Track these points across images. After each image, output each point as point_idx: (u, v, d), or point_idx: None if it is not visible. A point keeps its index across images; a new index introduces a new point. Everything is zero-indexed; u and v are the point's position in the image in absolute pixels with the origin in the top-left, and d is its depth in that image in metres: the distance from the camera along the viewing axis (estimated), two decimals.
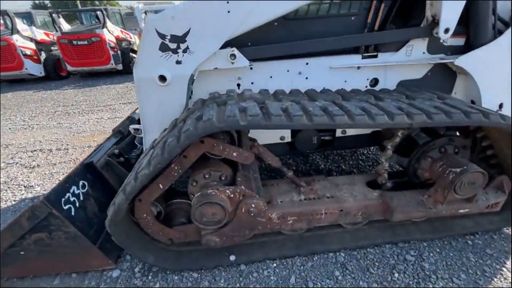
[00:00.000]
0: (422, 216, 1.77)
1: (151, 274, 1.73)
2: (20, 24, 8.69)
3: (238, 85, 1.89)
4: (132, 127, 2.05)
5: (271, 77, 1.89)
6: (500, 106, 2.01)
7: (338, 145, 2.17)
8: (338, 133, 2.10)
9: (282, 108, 1.38)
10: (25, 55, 8.36)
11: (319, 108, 1.39)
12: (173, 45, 1.57)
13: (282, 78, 1.90)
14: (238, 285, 1.63)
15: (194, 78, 1.72)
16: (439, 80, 2.00)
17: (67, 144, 3.83)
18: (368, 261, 1.74)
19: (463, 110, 1.42)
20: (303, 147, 2.07)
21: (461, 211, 1.74)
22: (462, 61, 1.81)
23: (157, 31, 1.52)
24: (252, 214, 1.53)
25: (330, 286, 1.59)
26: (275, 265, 1.75)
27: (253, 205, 1.51)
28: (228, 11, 1.53)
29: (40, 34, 9.21)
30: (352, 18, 1.81)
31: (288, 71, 1.89)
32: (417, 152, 1.73)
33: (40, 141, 4.01)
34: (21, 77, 8.91)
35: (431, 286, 1.55)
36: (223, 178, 1.60)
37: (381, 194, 1.78)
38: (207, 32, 1.56)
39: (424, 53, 1.93)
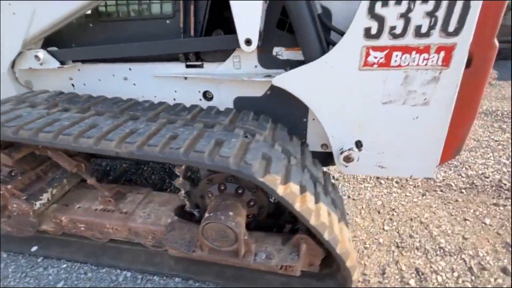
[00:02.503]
0: (193, 257, 1.53)
1: None
2: None
3: (73, 85, 1.91)
4: None
5: (99, 80, 1.84)
6: (358, 144, 1.51)
7: None
8: None
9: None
10: None
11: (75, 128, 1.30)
12: None
13: (110, 82, 1.82)
14: (20, 274, 1.74)
15: (18, 77, 1.81)
16: (285, 101, 1.61)
17: None
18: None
19: (179, 147, 1.14)
20: None
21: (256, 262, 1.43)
22: (280, 80, 1.42)
23: None
24: (15, 214, 1.58)
25: None
26: (65, 265, 1.79)
27: (15, 205, 1.56)
28: (13, 13, 1.54)
29: None
30: (167, 21, 1.59)
31: (113, 75, 1.80)
32: (198, 185, 1.47)
33: None
34: None
35: None
36: (13, 174, 1.68)
37: (171, 222, 1.60)
38: (4, 33, 1.61)
39: (256, 66, 1.57)
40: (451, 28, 1.15)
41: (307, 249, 1.39)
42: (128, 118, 1.43)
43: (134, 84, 1.81)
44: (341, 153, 1.52)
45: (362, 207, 2.22)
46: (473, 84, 1.34)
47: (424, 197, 2.31)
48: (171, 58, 1.66)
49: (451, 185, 2.43)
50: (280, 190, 1.12)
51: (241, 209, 1.34)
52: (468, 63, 1.28)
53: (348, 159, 1.52)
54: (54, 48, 1.73)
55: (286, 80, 1.41)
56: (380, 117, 1.42)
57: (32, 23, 1.55)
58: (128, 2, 1.61)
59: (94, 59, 1.77)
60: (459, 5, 1.11)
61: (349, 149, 1.50)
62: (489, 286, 1.57)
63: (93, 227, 1.72)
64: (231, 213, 1.26)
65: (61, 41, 1.76)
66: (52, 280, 1.69)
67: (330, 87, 1.38)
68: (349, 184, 2.50)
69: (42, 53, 1.67)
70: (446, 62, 1.23)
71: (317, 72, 1.35)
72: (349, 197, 2.34)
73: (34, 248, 1.85)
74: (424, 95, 1.32)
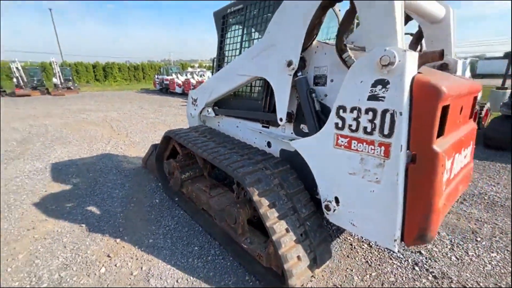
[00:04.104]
0: (221, 226, 2.58)
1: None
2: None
3: (218, 125, 3.69)
4: None
5: (228, 125, 3.49)
6: (337, 200, 2.07)
7: None
8: None
9: (194, 137, 3.14)
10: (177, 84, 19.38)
11: (199, 143, 2.96)
12: (195, 102, 3.79)
13: (231, 127, 3.41)
14: (165, 208, 3.55)
15: (201, 117, 3.82)
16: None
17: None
18: (188, 241, 2.90)
19: (234, 168, 2.32)
20: None
21: (243, 242, 2.37)
22: (295, 143, 2.31)
23: (191, 96, 3.83)
24: (174, 177, 3.40)
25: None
26: (182, 212, 3.43)
27: (175, 173, 3.39)
28: (204, 91, 3.47)
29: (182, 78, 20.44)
30: (259, 102, 2.94)
31: (233, 124, 3.38)
32: (238, 188, 2.60)
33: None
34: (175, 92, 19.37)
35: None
36: (181, 159, 3.58)
37: (224, 207, 2.81)
38: (200, 98, 3.61)
39: (292, 133, 2.55)
40: (385, 132, 1.67)
41: (274, 252, 2.12)
42: (221, 145, 2.87)
43: (240, 130, 3.29)
44: (323, 201, 2.14)
45: (371, 274, 2.39)
46: (421, 179, 1.64)
47: None
48: (256, 120, 2.99)
49: None
50: (255, 198, 2.06)
51: (247, 207, 2.33)
52: (414, 160, 1.65)
53: (327, 208, 2.11)
54: (216, 107, 3.57)
55: (297, 144, 2.31)
56: (348, 183, 1.96)
57: (210, 96, 3.43)
58: (246, 90, 3.14)
59: (228, 115, 3.44)
60: (388, 119, 1.64)
61: (329, 201, 2.10)
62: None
63: (197, 197, 3.26)
64: (238, 205, 2.31)
65: (220, 104, 3.58)
66: (175, 215, 3.35)
67: (318, 153, 2.12)
68: (378, 257, 2.63)
69: (210, 109, 3.55)
70: (387, 154, 1.69)
71: (311, 143, 2.16)
72: (367, 262, 2.54)
73: (176, 199, 3.68)
74: (376, 175, 1.78)
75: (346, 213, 2.03)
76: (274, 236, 1.96)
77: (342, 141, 1.93)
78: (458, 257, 2.60)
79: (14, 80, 21.60)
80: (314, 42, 2.19)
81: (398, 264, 2.51)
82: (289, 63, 2.19)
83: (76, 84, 24.93)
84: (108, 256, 2.62)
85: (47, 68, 28.29)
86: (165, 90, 22.16)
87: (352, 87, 1.79)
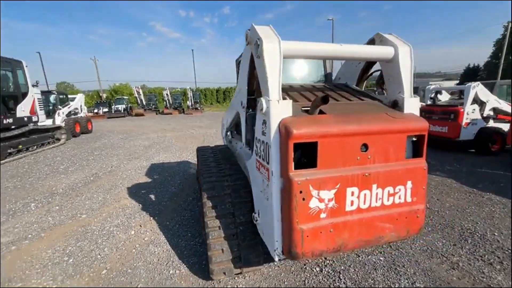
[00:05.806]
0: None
1: None
2: None
3: (236, 145, 4.60)
4: None
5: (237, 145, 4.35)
6: (259, 213, 2.56)
7: None
8: None
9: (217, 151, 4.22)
10: None
11: (204, 158, 4.00)
12: (223, 127, 4.87)
13: (237, 148, 4.25)
14: (186, 204, 4.73)
15: (226, 139, 4.86)
16: None
17: None
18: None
19: (204, 177, 3.20)
20: None
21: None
22: (246, 162, 2.93)
23: (222, 122, 4.93)
24: None
25: None
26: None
27: (199, 180, 4.53)
28: (224, 119, 4.47)
29: None
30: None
31: (238, 145, 4.20)
32: None
33: None
34: None
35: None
36: None
37: None
38: (224, 124, 4.64)
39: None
40: (267, 160, 2.14)
41: None
42: (216, 161, 3.76)
43: (241, 150, 4.08)
44: (254, 213, 2.66)
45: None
46: (285, 201, 1.99)
47: None
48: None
49: None
50: (203, 200, 2.83)
51: None
52: (283, 186, 2.03)
53: (254, 218, 2.62)
54: (233, 131, 4.52)
55: (247, 163, 2.92)
56: (260, 199, 2.43)
57: (226, 123, 4.43)
58: None
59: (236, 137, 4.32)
60: (267, 150, 2.12)
61: (255, 212, 2.62)
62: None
63: None
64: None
65: (235, 128, 4.51)
66: (193, 210, 4.46)
67: (251, 172, 2.68)
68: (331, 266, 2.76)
69: (229, 133, 4.53)
70: (268, 178, 2.14)
71: (250, 163, 2.74)
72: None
73: None
74: (266, 193, 2.22)
75: (261, 225, 2.48)
76: (207, 229, 2.67)
77: (257, 164, 2.46)
78: None
79: (164, 102, 30.06)
80: None
81: None
82: (242, 103, 2.91)
83: (201, 106, 31.82)
84: (140, 225, 3.99)
85: (186, 93, 37.50)
86: None
87: (257, 123, 2.35)
